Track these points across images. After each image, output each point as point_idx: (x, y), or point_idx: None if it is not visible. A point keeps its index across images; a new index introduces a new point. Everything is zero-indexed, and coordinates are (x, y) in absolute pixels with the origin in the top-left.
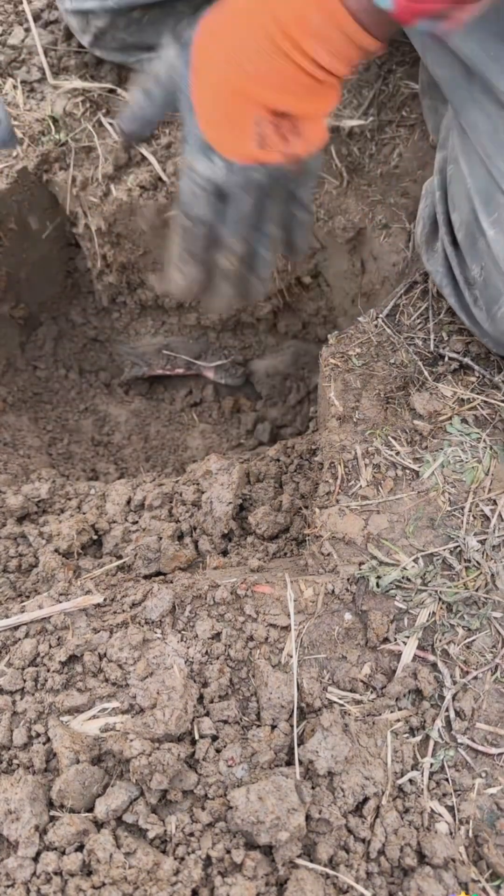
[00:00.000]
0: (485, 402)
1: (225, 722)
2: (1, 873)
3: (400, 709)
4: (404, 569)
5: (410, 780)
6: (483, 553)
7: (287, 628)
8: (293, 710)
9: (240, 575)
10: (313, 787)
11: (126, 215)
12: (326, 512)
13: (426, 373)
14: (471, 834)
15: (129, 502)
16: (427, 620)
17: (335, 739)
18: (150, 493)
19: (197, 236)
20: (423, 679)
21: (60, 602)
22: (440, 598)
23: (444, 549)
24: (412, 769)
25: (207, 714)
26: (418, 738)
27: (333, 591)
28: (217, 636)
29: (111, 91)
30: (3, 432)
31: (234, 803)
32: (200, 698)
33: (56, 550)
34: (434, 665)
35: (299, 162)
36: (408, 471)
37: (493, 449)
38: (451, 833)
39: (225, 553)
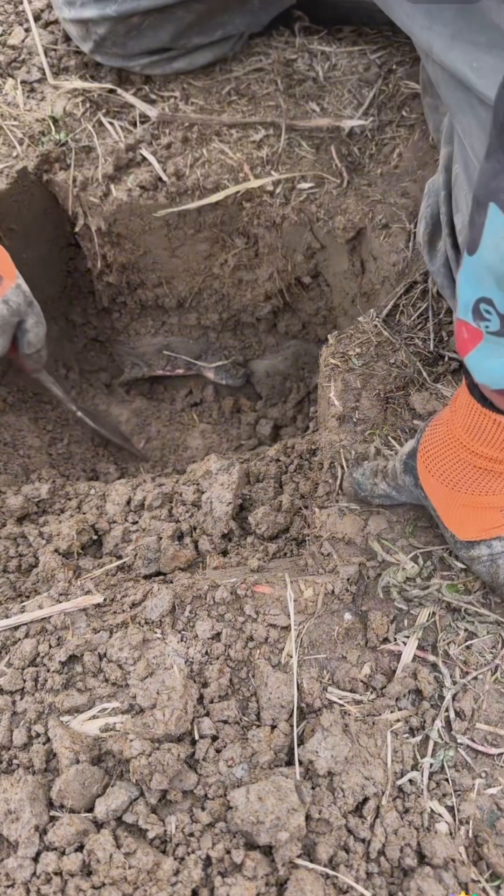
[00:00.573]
0: None
1: (225, 722)
2: (1, 873)
3: (400, 709)
4: (404, 569)
5: (410, 781)
6: None
7: (287, 628)
8: (293, 711)
9: (240, 575)
10: (313, 788)
11: (126, 215)
12: (326, 512)
13: (426, 373)
14: (471, 834)
15: (129, 502)
16: (427, 620)
17: (335, 739)
18: (150, 493)
19: None
20: (423, 679)
21: (60, 602)
22: (440, 599)
23: (444, 550)
24: (412, 769)
25: (207, 714)
26: (418, 739)
27: (333, 591)
28: (217, 636)
29: (111, 91)
30: (3, 432)
31: (234, 803)
32: (200, 698)
33: (56, 550)
34: (434, 665)
35: None
36: None
37: None
38: (451, 833)
39: (225, 553)
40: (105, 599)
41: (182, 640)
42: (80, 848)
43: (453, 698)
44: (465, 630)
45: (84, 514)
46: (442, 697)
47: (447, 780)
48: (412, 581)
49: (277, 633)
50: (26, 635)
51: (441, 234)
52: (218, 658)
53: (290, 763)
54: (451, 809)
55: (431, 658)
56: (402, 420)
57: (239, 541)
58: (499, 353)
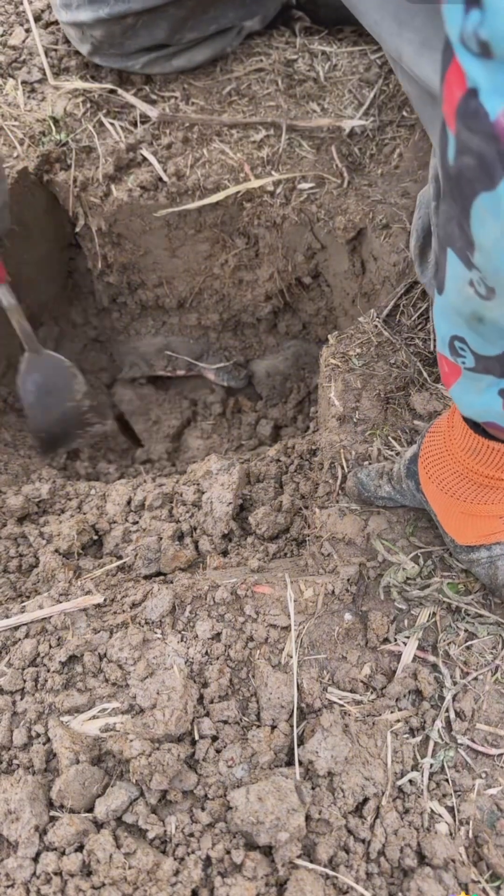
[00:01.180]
0: None
1: (225, 722)
2: (1, 873)
3: (400, 709)
4: (404, 569)
5: (410, 781)
6: None
7: (287, 629)
8: (293, 711)
9: (240, 575)
10: (313, 788)
11: (127, 216)
12: (326, 512)
13: (426, 373)
14: (471, 834)
15: (129, 502)
16: (427, 621)
17: (335, 740)
18: (151, 494)
19: None
20: (424, 679)
21: (60, 602)
22: (440, 599)
23: (444, 550)
24: (412, 770)
25: (207, 714)
26: (418, 739)
27: (333, 592)
28: (217, 636)
29: (112, 91)
30: (3, 432)
31: (234, 804)
32: (200, 699)
33: (56, 550)
34: (434, 666)
35: None
36: None
37: None
38: (451, 834)
39: (225, 553)
40: (105, 599)
41: (182, 641)
42: (80, 848)
43: (453, 699)
44: (466, 630)
45: (84, 514)
46: (442, 698)
47: (447, 780)
48: (412, 581)
49: (277, 633)
50: (26, 635)
51: (432, 247)
52: (218, 658)
53: (290, 763)
54: (451, 810)
55: (432, 658)
56: (402, 420)
57: (239, 541)
58: (477, 389)
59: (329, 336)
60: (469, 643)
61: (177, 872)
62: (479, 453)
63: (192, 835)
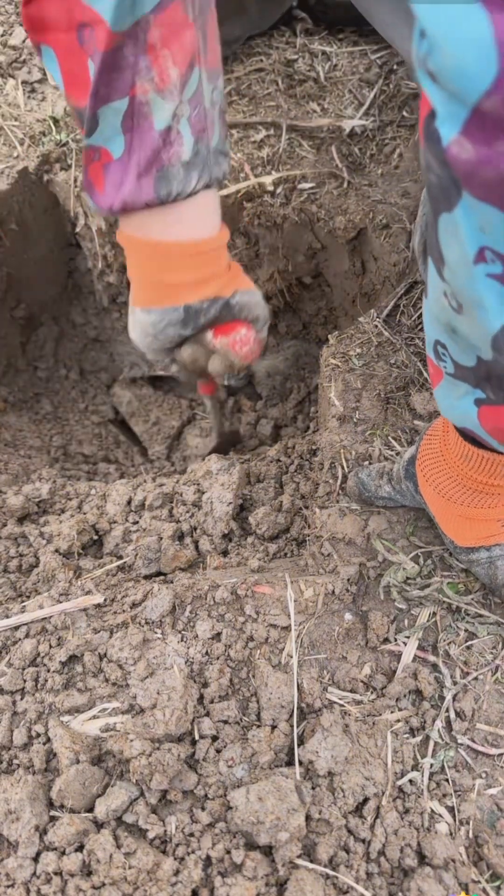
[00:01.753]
0: None
1: (225, 722)
2: (1, 873)
3: (400, 709)
4: (404, 568)
5: (410, 781)
6: None
7: (287, 628)
8: (293, 711)
9: (240, 575)
10: (313, 788)
11: None
12: (327, 512)
13: (426, 373)
14: (471, 834)
15: (129, 502)
16: (427, 621)
17: (335, 740)
18: (151, 494)
19: None
20: (424, 679)
21: (61, 602)
22: (440, 599)
23: (444, 550)
24: (412, 769)
25: (207, 714)
26: (418, 739)
27: (333, 592)
28: (217, 636)
29: None
30: (3, 432)
31: (234, 804)
32: (200, 698)
33: (56, 550)
34: (434, 665)
35: None
36: None
37: None
38: (451, 833)
39: (225, 553)
40: (105, 599)
41: (182, 640)
42: (80, 848)
43: (453, 699)
44: (466, 630)
45: (84, 514)
46: (442, 698)
47: (447, 780)
48: (412, 581)
49: (278, 633)
50: (27, 635)
51: None
52: (218, 658)
53: (290, 763)
54: (451, 810)
55: (432, 658)
56: (402, 420)
57: (239, 541)
58: (456, 395)
59: (329, 336)
60: (469, 643)
61: (177, 872)
62: (471, 460)
63: (192, 835)
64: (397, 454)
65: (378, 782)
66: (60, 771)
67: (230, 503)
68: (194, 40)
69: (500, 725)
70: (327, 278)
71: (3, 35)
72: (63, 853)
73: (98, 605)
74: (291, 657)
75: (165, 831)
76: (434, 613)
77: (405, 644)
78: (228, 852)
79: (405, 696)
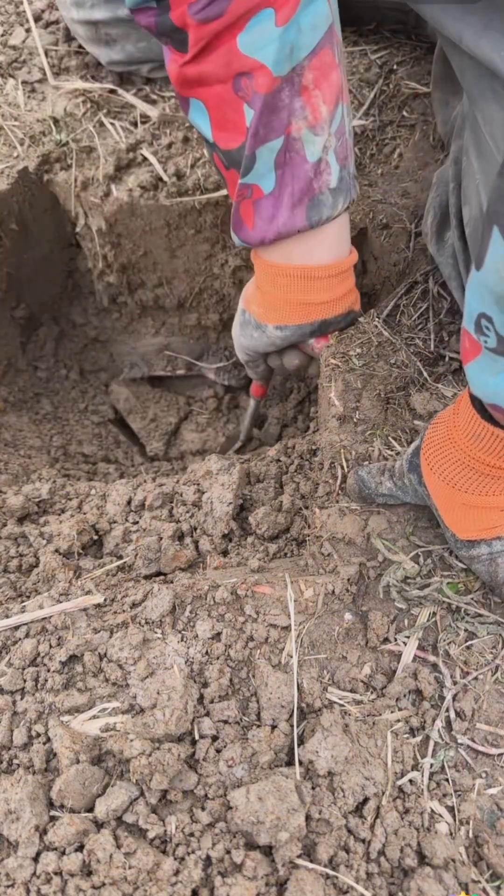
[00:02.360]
0: None
1: (225, 722)
2: (1, 873)
3: (400, 709)
4: (404, 568)
5: (410, 781)
6: None
7: (287, 628)
8: (293, 711)
9: (240, 575)
10: (313, 788)
11: (127, 215)
12: (326, 512)
13: (426, 373)
14: (471, 834)
15: (129, 502)
16: (427, 620)
17: (335, 739)
18: (151, 494)
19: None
20: (424, 679)
21: (61, 602)
22: (440, 599)
23: (444, 549)
24: (412, 769)
25: (207, 714)
26: (418, 739)
27: (333, 592)
28: (217, 636)
29: (112, 91)
30: (3, 432)
31: (234, 803)
32: (200, 698)
33: (56, 550)
34: (434, 665)
35: None
36: None
37: None
38: (451, 833)
39: (225, 553)
40: (105, 599)
41: (182, 640)
42: (80, 848)
43: (453, 698)
44: (466, 630)
45: (84, 514)
46: (442, 698)
47: (447, 780)
48: (412, 580)
49: (278, 633)
50: (26, 635)
51: (449, 225)
52: (218, 658)
53: (290, 763)
54: (451, 810)
55: (432, 658)
56: (402, 420)
57: (239, 541)
58: (493, 370)
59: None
60: (469, 643)
61: (177, 872)
62: (482, 439)
63: (192, 834)
64: (397, 454)
65: (378, 782)
66: (60, 771)
67: (230, 503)
68: (339, 79)
69: (500, 725)
70: None
71: (2, 35)
72: (63, 853)
73: (98, 605)
74: (291, 657)
75: (165, 831)
76: (434, 613)
77: (405, 644)
78: (228, 852)
79: (405, 695)
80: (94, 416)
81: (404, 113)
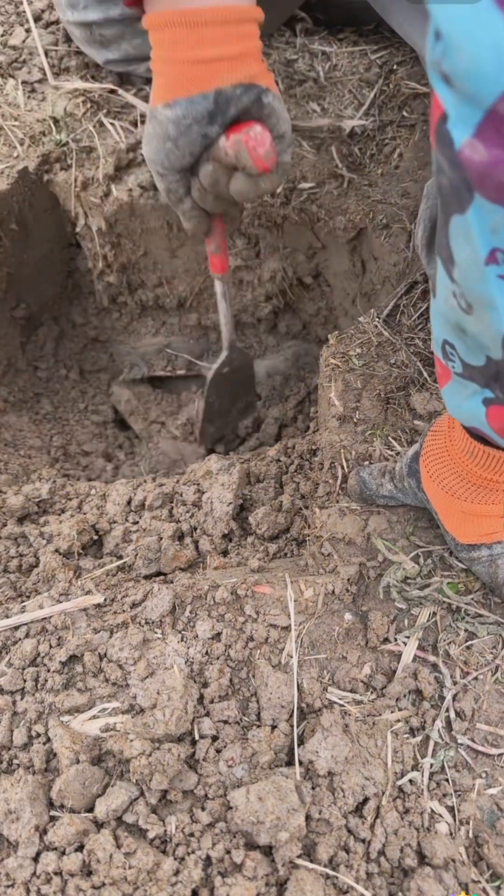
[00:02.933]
0: None
1: (225, 722)
2: (1, 873)
3: (400, 709)
4: (404, 568)
5: (410, 781)
6: None
7: (287, 628)
8: (293, 711)
9: (240, 575)
10: (313, 788)
11: (127, 215)
12: (327, 512)
13: (426, 373)
14: (471, 834)
15: (129, 502)
16: (427, 621)
17: (335, 740)
18: (151, 494)
19: None
20: (424, 679)
21: (61, 602)
22: (440, 599)
23: (444, 549)
24: (412, 769)
25: (207, 714)
26: (418, 739)
27: (333, 592)
28: (217, 636)
29: (112, 91)
30: (3, 432)
31: (234, 803)
32: (200, 698)
33: (56, 550)
34: (434, 665)
35: None
36: None
37: None
38: (451, 833)
39: (225, 553)
40: (105, 599)
41: (182, 640)
42: (80, 848)
43: (453, 698)
44: (466, 630)
45: (84, 514)
46: (442, 698)
47: (447, 780)
48: (412, 581)
49: (278, 633)
50: (27, 635)
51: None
52: (218, 658)
53: (290, 763)
54: (451, 810)
55: (432, 658)
56: (402, 420)
57: (239, 541)
58: (464, 394)
59: (329, 336)
60: (469, 643)
61: (177, 872)
62: (476, 457)
63: (192, 834)
64: (397, 454)
65: (378, 782)
66: (60, 771)
67: (230, 503)
68: None
69: (500, 725)
70: (327, 278)
71: (2, 35)
72: (63, 853)
73: (98, 605)
74: (291, 657)
75: (165, 831)
76: (434, 613)
77: (405, 644)
78: (228, 852)
79: (405, 696)
80: (94, 416)
81: (404, 113)
